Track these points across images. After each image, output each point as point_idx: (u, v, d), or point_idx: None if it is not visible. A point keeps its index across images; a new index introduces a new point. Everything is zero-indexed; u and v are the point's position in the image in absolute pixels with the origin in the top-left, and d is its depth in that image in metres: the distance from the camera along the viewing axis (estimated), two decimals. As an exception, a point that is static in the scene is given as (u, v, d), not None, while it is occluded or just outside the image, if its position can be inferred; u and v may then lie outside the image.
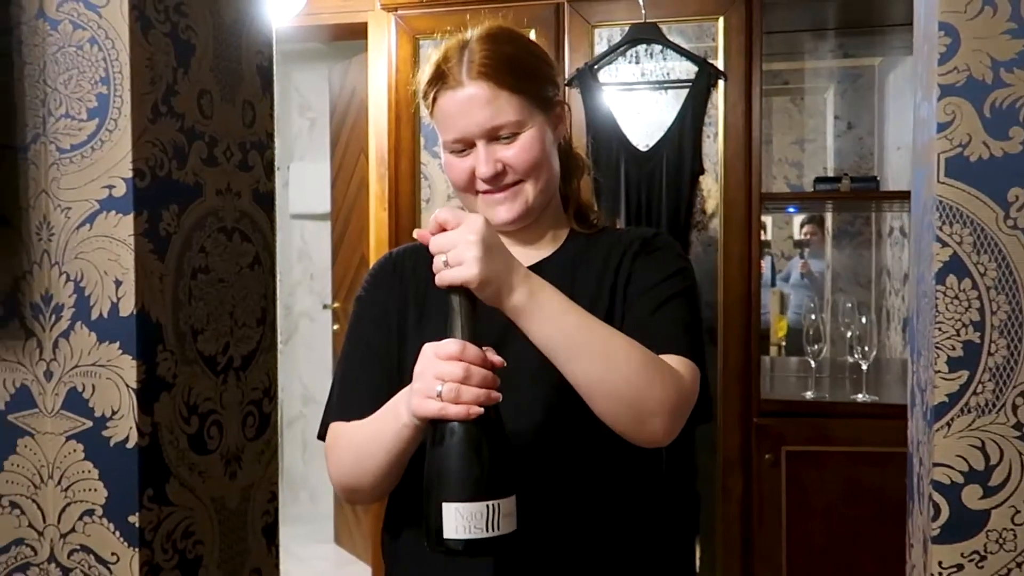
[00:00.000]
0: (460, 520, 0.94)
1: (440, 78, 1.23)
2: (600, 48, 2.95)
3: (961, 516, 1.07)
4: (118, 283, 1.37)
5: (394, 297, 1.28)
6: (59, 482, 1.41)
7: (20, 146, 1.41)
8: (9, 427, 1.43)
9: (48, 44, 1.39)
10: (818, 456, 2.73)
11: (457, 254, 0.98)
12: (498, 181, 1.22)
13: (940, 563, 1.07)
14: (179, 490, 1.46)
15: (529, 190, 1.23)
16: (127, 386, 1.38)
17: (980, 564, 1.05)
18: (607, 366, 1.03)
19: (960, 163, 1.06)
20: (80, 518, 1.40)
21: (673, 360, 1.12)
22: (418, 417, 1.01)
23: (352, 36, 3.58)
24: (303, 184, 5.76)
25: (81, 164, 1.38)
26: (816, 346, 2.94)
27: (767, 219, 3.36)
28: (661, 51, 2.93)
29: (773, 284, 3.59)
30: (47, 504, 1.42)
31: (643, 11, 2.85)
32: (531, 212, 1.25)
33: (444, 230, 1.01)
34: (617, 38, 2.94)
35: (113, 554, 1.39)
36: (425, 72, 1.27)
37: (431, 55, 1.28)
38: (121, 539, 1.39)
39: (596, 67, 2.91)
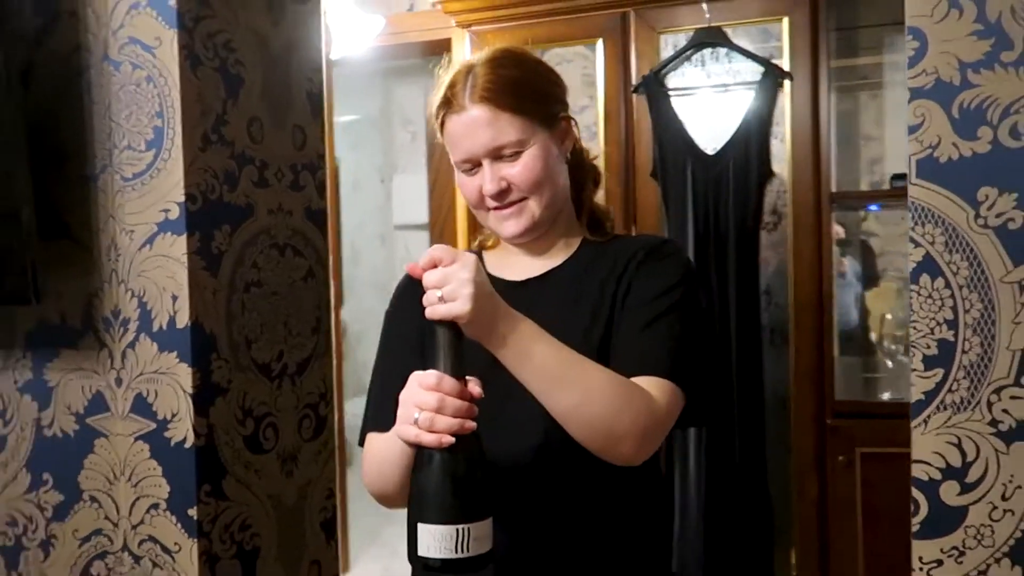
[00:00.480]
0: (432, 541, 1.01)
1: (447, 103, 1.31)
2: (666, 54, 2.99)
3: (939, 512, 1.09)
4: (174, 298, 1.52)
5: (419, 311, 1.35)
6: (129, 478, 1.57)
7: (91, 175, 1.57)
8: (88, 429, 1.60)
9: (112, 84, 1.55)
10: (893, 458, 2.69)
11: (451, 290, 1.04)
12: (503, 197, 1.29)
13: (920, 558, 1.09)
14: (236, 486, 1.59)
15: (534, 206, 1.29)
16: (184, 391, 1.52)
17: (959, 560, 1.07)
18: (580, 398, 1.09)
19: (930, 164, 1.08)
20: (147, 511, 1.55)
21: (650, 382, 1.16)
22: (401, 440, 1.09)
23: (439, 52, 3.72)
24: (404, 195, 5.95)
25: (141, 191, 1.53)
26: (893, 346, 2.90)
27: (872, 216, 3.29)
28: (726, 54, 2.95)
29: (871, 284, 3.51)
30: (120, 498, 1.58)
31: (707, 15, 2.88)
32: (538, 226, 1.32)
33: (437, 266, 1.08)
34: (682, 43, 2.97)
35: (176, 544, 1.53)
36: (436, 97, 1.35)
37: (443, 80, 1.36)
38: (182, 530, 1.53)
39: (662, 73, 2.95)
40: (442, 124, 1.33)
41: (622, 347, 1.22)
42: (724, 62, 2.97)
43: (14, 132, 1.46)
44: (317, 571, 1.79)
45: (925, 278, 1.09)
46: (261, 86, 1.65)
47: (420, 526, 1.03)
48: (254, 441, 1.63)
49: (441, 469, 1.03)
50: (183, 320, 1.51)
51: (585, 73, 3.21)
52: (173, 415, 1.53)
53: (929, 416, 1.10)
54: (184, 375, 1.52)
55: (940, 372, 1.10)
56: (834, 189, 2.91)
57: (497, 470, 1.22)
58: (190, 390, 1.51)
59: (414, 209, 5.78)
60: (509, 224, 1.30)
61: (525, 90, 1.30)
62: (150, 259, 1.53)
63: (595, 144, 3.17)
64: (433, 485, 1.03)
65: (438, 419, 1.03)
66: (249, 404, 1.62)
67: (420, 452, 1.05)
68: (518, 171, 1.27)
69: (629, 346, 1.22)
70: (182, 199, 1.50)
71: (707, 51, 2.97)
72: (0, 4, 1.45)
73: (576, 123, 1.41)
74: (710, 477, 2.91)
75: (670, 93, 2.96)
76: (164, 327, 1.52)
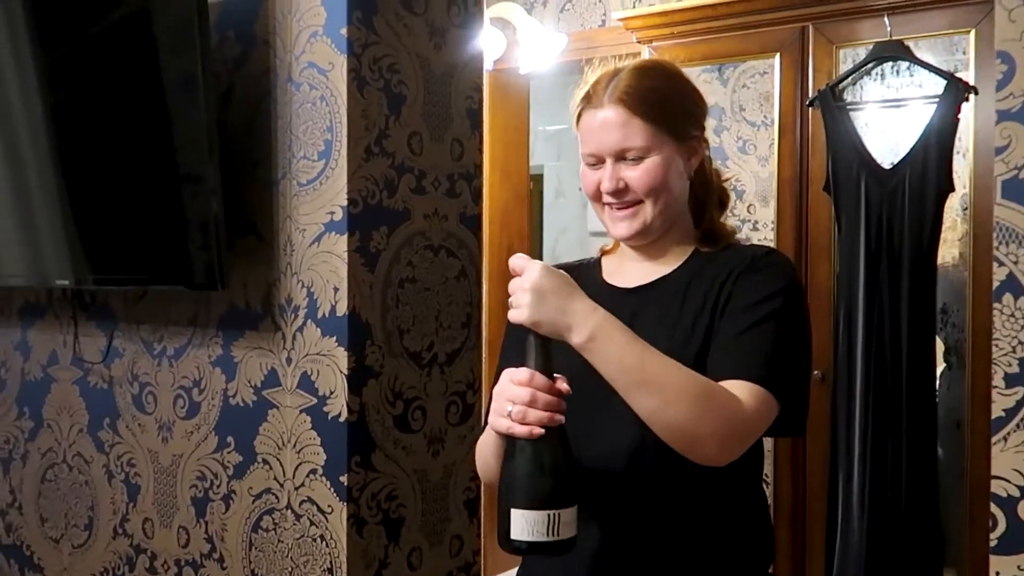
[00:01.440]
0: (525, 525, 1.09)
1: (587, 98, 1.40)
2: (844, 68, 2.96)
3: (1018, 529, 1.10)
4: (336, 289, 1.73)
5: None
6: (294, 445, 1.79)
7: (274, 181, 1.81)
8: (263, 401, 1.84)
9: (293, 102, 1.78)
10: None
11: (515, 298, 1.16)
12: (618, 197, 1.35)
13: (998, 573, 1.11)
14: (384, 460, 1.78)
15: (648, 211, 1.35)
16: (341, 372, 1.72)
17: (1035, 575, 1.08)
18: (662, 399, 1.16)
19: (1016, 185, 1.10)
20: (307, 475, 1.77)
21: (741, 386, 1.21)
22: (494, 431, 1.20)
23: (626, 66, 3.82)
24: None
25: (312, 195, 1.75)
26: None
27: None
28: (907, 67, 2.88)
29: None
30: (286, 462, 1.81)
31: (888, 28, 2.84)
32: (649, 231, 1.38)
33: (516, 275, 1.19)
34: (862, 57, 2.93)
35: (329, 506, 1.74)
36: (579, 91, 1.44)
37: (589, 77, 1.44)
38: (335, 494, 1.73)
39: (839, 87, 2.92)
40: (579, 117, 1.41)
41: (717, 351, 1.27)
42: (905, 75, 2.91)
43: (210, 144, 1.72)
44: (459, 545, 1.95)
45: (1008, 297, 1.11)
46: (422, 103, 1.84)
47: (513, 511, 1.11)
48: (403, 421, 1.82)
49: (533, 458, 1.12)
50: (342, 309, 1.72)
51: (763, 91, 3.23)
52: (331, 392, 1.73)
53: (1009, 433, 1.11)
54: (341, 358, 1.72)
55: (1021, 390, 1.11)
56: (1021, 207, 2.78)
57: (594, 468, 1.31)
58: (346, 371, 1.72)
59: (604, 218, 5.86)
60: (621, 225, 1.37)
61: (662, 101, 1.36)
62: (318, 255, 1.75)
63: (771, 159, 3.18)
64: (526, 473, 1.11)
65: (530, 412, 1.13)
66: (399, 387, 1.81)
67: (511, 443, 1.15)
68: (637, 175, 1.34)
69: (724, 350, 1.27)
70: (345, 203, 1.71)
71: (887, 64, 2.91)
72: (208, 36, 1.71)
73: (707, 144, 1.44)
74: (874, 498, 2.86)
75: (847, 107, 2.92)
76: (327, 315, 1.74)
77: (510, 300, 1.17)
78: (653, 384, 1.17)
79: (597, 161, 1.38)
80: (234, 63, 1.86)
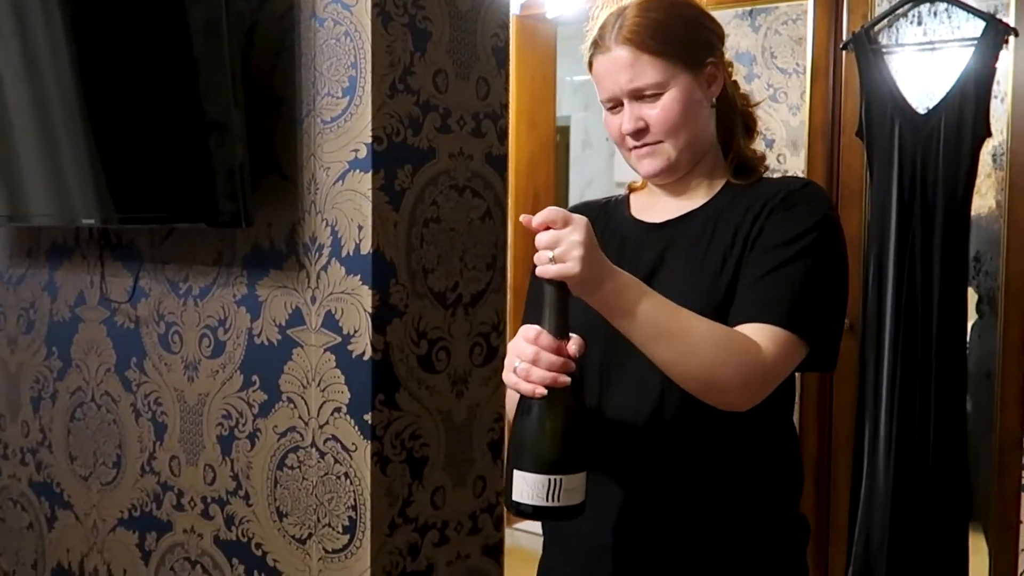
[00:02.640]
0: (525, 487, 1.08)
1: (595, 44, 1.39)
2: (880, 11, 2.90)
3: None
4: (360, 228, 1.71)
5: None
6: (319, 384, 1.79)
7: (298, 119, 1.80)
8: (288, 340, 1.84)
9: (317, 38, 1.76)
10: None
11: (562, 252, 1.11)
12: (640, 137, 1.35)
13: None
14: (408, 399, 1.78)
15: (669, 148, 1.35)
16: (365, 311, 1.72)
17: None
18: (681, 350, 1.15)
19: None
20: (332, 413, 1.77)
21: (763, 330, 1.19)
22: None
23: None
24: (625, 154, 6.00)
25: (337, 133, 1.74)
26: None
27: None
28: (946, 9, 2.81)
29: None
30: (311, 401, 1.81)
31: (927, -31, 2.77)
32: (675, 167, 1.37)
33: (548, 228, 1.14)
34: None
35: (353, 444, 1.74)
36: (587, 39, 1.43)
37: (596, 20, 1.42)
38: (359, 433, 1.74)
39: (874, 30, 2.86)
40: (591, 64, 1.40)
41: (742, 293, 1.26)
42: (943, 17, 2.83)
43: (235, 83, 1.70)
44: (483, 486, 1.96)
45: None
46: (448, 40, 1.81)
47: (516, 472, 1.09)
48: (427, 361, 1.81)
49: (538, 420, 1.10)
50: (366, 248, 1.71)
51: (796, 36, 3.16)
52: (355, 331, 1.73)
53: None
54: (365, 296, 1.71)
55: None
56: (1060, 153, 2.72)
57: (619, 421, 1.30)
58: (370, 310, 1.71)
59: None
60: (645, 163, 1.37)
61: (669, 33, 1.34)
62: (342, 193, 1.74)
63: (803, 107, 3.12)
64: (529, 434, 1.10)
65: (533, 370, 1.12)
66: (424, 327, 1.80)
67: (522, 401, 1.14)
68: (656, 113, 1.34)
69: (749, 292, 1.26)
70: (369, 140, 1.69)
71: (924, 6, 2.84)
72: (229, -31, 1.69)
73: (729, 68, 1.43)
74: (901, 448, 2.84)
75: (882, 50, 2.86)
76: (351, 253, 1.73)
77: (549, 254, 1.13)
78: (671, 336, 1.16)
79: (616, 105, 1.37)
80: (257, 1, 1.84)
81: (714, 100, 1.40)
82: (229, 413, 1.94)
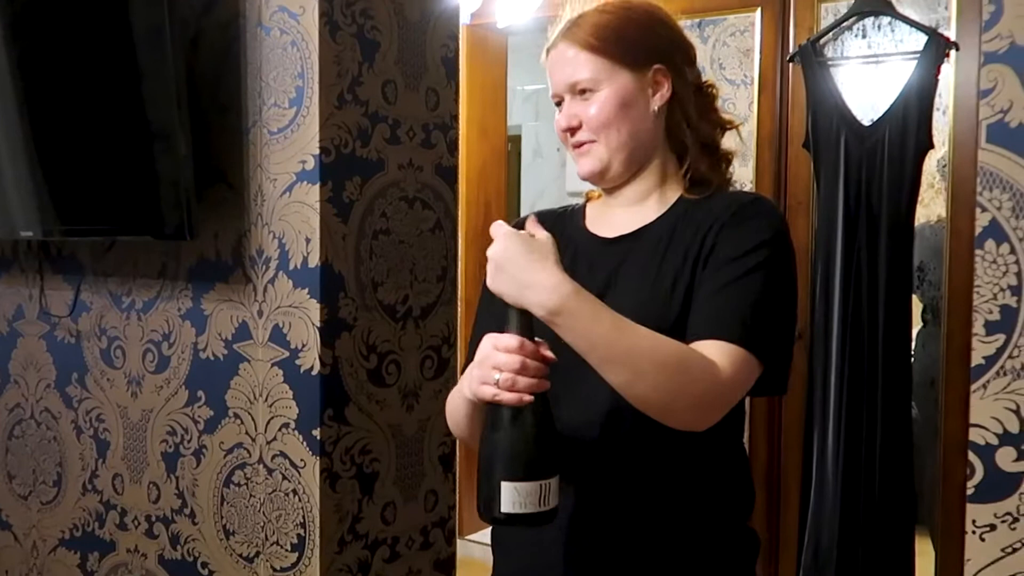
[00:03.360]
0: (517, 497, 1.06)
1: (549, 42, 1.38)
2: (826, 24, 2.93)
3: (995, 477, 1.09)
4: (308, 240, 1.69)
5: None
6: (266, 399, 1.76)
7: (244, 129, 1.77)
8: (234, 354, 1.80)
9: (263, 47, 1.73)
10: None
11: (488, 266, 1.14)
12: (573, 134, 1.31)
13: (974, 521, 1.10)
14: (357, 414, 1.76)
15: (600, 149, 1.30)
16: (313, 324, 1.69)
17: (1013, 525, 1.07)
18: (633, 373, 1.12)
19: (1001, 129, 1.08)
20: (279, 429, 1.74)
21: (719, 348, 1.16)
22: (477, 399, 1.15)
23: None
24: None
25: (284, 144, 1.71)
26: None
27: None
28: (889, 23, 2.86)
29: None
30: (258, 416, 1.78)
31: (871, -17, 2.81)
32: (607, 169, 1.32)
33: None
34: (844, 12, 2.90)
35: (301, 460, 1.72)
36: (548, 40, 1.41)
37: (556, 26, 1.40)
38: (308, 448, 1.71)
39: (819, 42, 2.90)
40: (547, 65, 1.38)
41: (697, 309, 1.23)
42: (886, 31, 2.88)
43: (178, 92, 1.67)
44: (434, 500, 1.94)
45: (990, 243, 1.09)
46: (397, 51, 1.80)
47: (504, 484, 1.07)
48: (377, 375, 1.79)
49: (523, 428, 1.08)
50: (314, 260, 1.68)
51: (743, 48, 3.19)
52: (303, 345, 1.70)
53: (988, 381, 1.10)
54: (314, 310, 1.69)
55: (1002, 337, 1.10)
56: (1000, 165, 2.78)
57: (572, 434, 1.28)
58: (318, 323, 1.68)
59: (585, 177, 5.83)
60: (580, 163, 1.33)
61: (612, 33, 1.30)
62: (289, 205, 1.71)
63: (751, 118, 3.15)
64: (516, 443, 1.07)
65: (519, 379, 1.09)
66: (373, 341, 1.78)
67: (496, 411, 1.10)
68: (586, 109, 1.30)
69: (703, 309, 1.23)
70: (317, 152, 1.67)
71: (868, 20, 2.88)
72: (172, -24, 1.65)
73: (682, 80, 1.33)
74: (849, 457, 2.87)
75: (828, 63, 2.90)
76: (299, 266, 1.70)
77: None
78: (623, 358, 1.13)
79: (560, 101, 1.35)
80: (202, 8, 1.81)
81: (657, 107, 1.33)
82: (174, 429, 1.90)
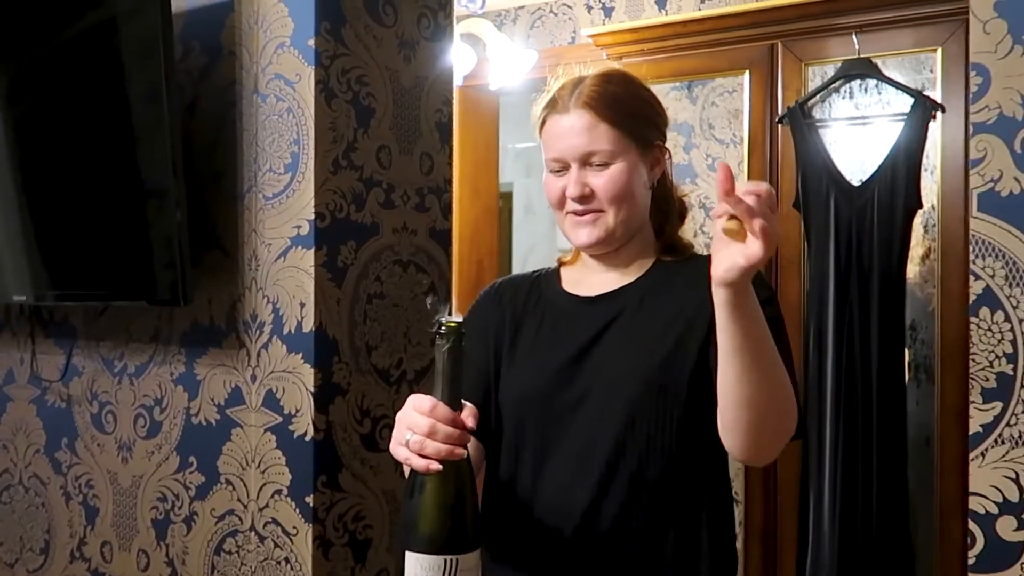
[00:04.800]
0: (420, 570, 0.99)
1: (551, 104, 1.37)
2: (814, 85, 2.98)
3: (996, 547, 1.08)
4: (302, 305, 1.69)
5: (494, 319, 1.41)
6: (259, 465, 1.74)
7: (239, 194, 1.78)
8: (227, 419, 1.79)
9: (260, 113, 1.75)
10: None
11: (772, 225, 1.01)
12: (584, 203, 1.32)
13: (977, 590, 1.09)
14: (351, 480, 1.74)
15: (610, 219, 1.33)
16: (307, 389, 1.68)
17: (1015, 594, 1.07)
18: (770, 384, 1.11)
19: (992, 198, 1.09)
20: (272, 496, 1.72)
21: None
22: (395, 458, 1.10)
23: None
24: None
25: (279, 208, 1.72)
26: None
27: None
28: (876, 85, 2.90)
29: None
30: (250, 483, 1.76)
31: (857, 46, 2.85)
32: (611, 239, 1.34)
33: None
34: (830, 75, 2.95)
35: (294, 527, 1.69)
36: (542, 100, 1.42)
37: (552, 85, 1.40)
38: (300, 516, 1.69)
39: (807, 104, 2.94)
40: (543, 124, 1.38)
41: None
42: (873, 93, 2.92)
43: (174, 156, 1.68)
44: (428, 567, 1.91)
45: (985, 311, 1.10)
46: (391, 116, 1.81)
47: (408, 554, 1.00)
48: (371, 440, 1.78)
49: (431, 496, 1.02)
50: (308, 325, 1.68)
51: (732, 108, 3.23)
52: (297, 410, 1.69)
53: (987, 449, 1.10)
54: (307, 375, 1.68)
55: (999, 405, 1.09)
56: (988, 224, 2.80)
57: (542, 519, 1.26)
58: (312, 389, 1.68)
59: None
60: (583, 232, 1.33)
61: (627, 107, 1.35)
62: (284, 269, 1.71)
63: (741, 177, 3.18)
64: (422, 513, 1.01)
65: (428, 443, 1.03)
66: (367, 405, 1.77)
67: (413, 478, 1.05)
68: (603, 181, 1.32)
69: None
70: (312, 217, 1.67)
71: (855, 82, 2.93)
72: (172, 47, 1.67)
73: (670, 156, 1.43)
74: (845, 516, 2.85)
75: (816, 124, 2.94)
76: (293, 331, 1.70)
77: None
78: (770, 364, 1.11)
79: (562, 167, 1.35)
80: (199, 74, 1.82)
81: (654, 183, 1.39)
82: (164, 496, 1.88)
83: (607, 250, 1.37)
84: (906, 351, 2.91)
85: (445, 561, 1.00)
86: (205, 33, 1.82)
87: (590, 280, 1.39)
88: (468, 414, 1.06)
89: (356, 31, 1.73)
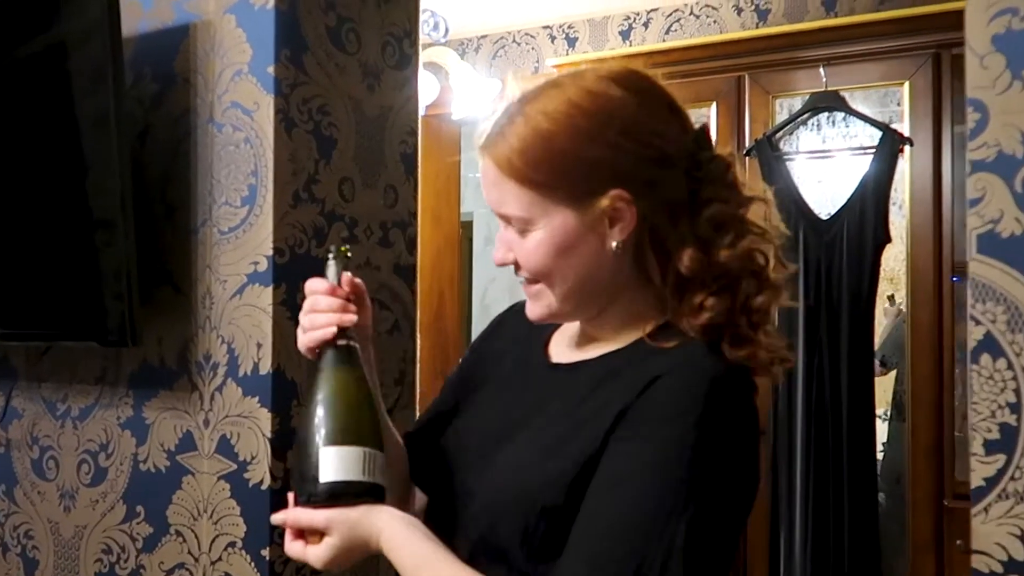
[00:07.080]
0: (340, 464, 0.97)
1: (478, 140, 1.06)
2: (781, 118, 2.96)
3: (1002, 606, 1.02)
4: (259, 345, 1.59)
5: (496, 349, 1.24)
6: (211, 516, 1.64)
7: (193, 228, 1.68)
8: (177, 467, 1.69)
9: (215, 144, 1.66)
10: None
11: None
12: (516, 271, 1.06)
13: (981, 654, 1.03)
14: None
15: (548, 294, 1.04)
16: (263, 435, 1.59)
17: (1023, 658, 1.01)
18: None
19: (992, 240, 1.04)
20: (225, 548, 1.62)
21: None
22: (307, 355, 1.07)
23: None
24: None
25: (235, 244, 1.63)
26: None
27: None
28: (844, 118, 2.89)
29: None
30: (202, 534, 1.65)
31: (824, 79, 2.83)
32: (561, 316, 1.09)
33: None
34: (798, 107, 2.93)
35: (249, 582, 1.59)
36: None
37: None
38: (256, 569, 1.59)
39: (775, 137, 2.91)
40: None
41: (578, 521, 0.97)
42: (841, 126, 2.91)
43: (123, 188, 1.58)
44: (391, 620, 1.81)
45: (986, 358, 1.04)
46: (354, 148, 1.74)
47: (324, 449, 0.98)
48: (331, 487, 1.68)
49: (344, 390, 1.01)
50: (266, 367, 1.59)
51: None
52: (253, 457, 1.59)
53: (990, 504, 1.04)
54: (264, 420, 1.59)
55: (1002, 458, 1.04)
56: (957, 258, 2.79)
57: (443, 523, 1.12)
58: (269, 434, 1.58)
59: (538, 265, 5.81)
60: (528, 306, 1.08)
61: (548, 155, 0.98)
62: (240, 308, 1.62)
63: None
64: (343, 403, 1.00)
65: (316, 317, 1.04)
66: (327, 451, 1.67)
67: (314, 379, 1.04)
68: (522, 253, 1.03)
69: (580, 522, 0.97)
70: (270, 252, 1.58)
71: (823, 115, 2.91)
72: (122, 73, 1.58)
73: (645, 202, 1.00)
74: (816, 553, 2.80)
75: (783, 157, 2.91)
76: (248, 373, 1.60)
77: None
78: None
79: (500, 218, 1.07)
80: (151, 102, 1.74)
81: (619, 243, 1.01)
82: (110, 547, 1.76)
83: (564, 321, 1.14)
84: (875, 388, 2.88)
85: (365, 453, 0.98)
86: (158, 59, 1.73)
87: (564, 339, 1.16)
88: (346, 282, 1.08)
89: (318, 58, 1.65)
